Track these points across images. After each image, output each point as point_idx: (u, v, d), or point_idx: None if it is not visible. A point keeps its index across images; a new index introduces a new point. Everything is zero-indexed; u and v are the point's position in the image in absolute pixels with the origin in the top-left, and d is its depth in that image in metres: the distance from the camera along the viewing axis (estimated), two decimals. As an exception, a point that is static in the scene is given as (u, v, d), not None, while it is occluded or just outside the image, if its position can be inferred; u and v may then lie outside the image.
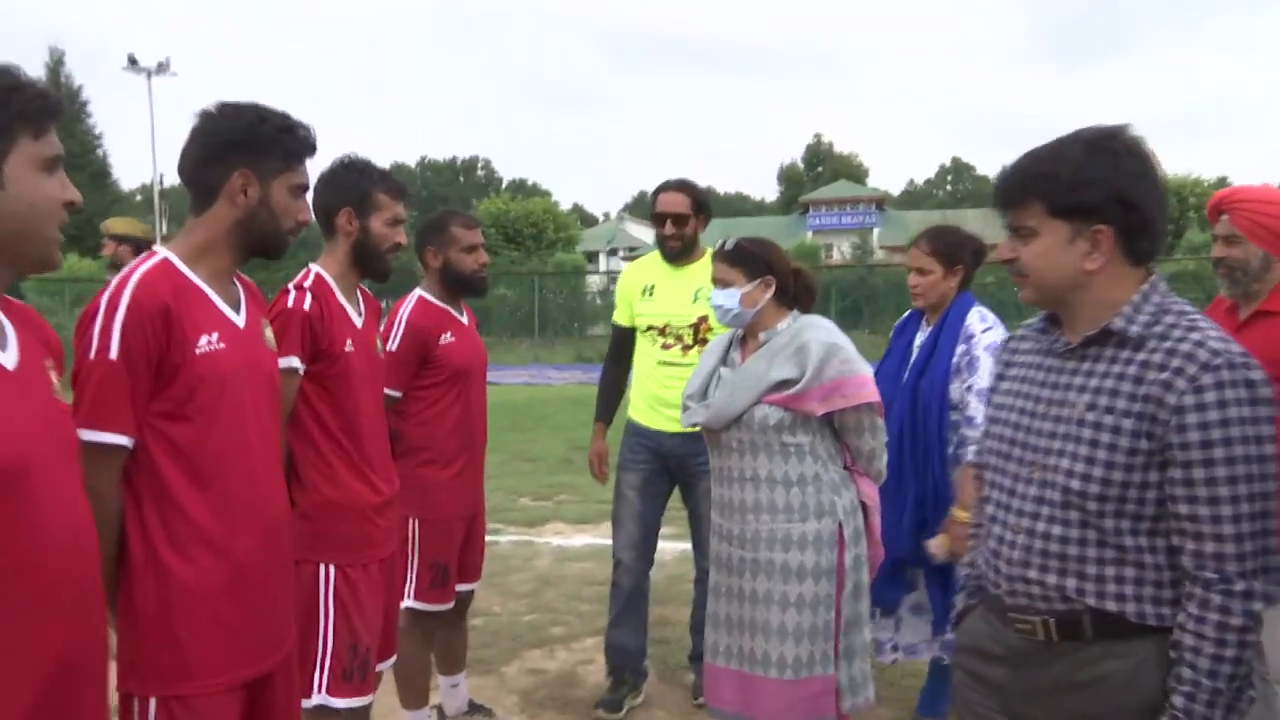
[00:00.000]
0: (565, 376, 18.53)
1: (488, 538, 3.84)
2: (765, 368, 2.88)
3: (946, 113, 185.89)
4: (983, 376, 3.21)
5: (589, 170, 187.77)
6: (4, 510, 1.44)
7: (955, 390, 3.33)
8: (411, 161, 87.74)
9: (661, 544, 4.21)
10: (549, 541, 6.80)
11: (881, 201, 61.86)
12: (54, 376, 1.63)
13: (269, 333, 2.26)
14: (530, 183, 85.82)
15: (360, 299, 2.87)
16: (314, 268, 2.79)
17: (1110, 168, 1.75)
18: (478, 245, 3.53)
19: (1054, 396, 1.84)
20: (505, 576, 5.87)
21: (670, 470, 3.97)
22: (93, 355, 1.88)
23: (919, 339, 3.56)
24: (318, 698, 2.59)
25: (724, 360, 3.07)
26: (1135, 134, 1.80)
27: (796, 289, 3.02)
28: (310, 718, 2.56)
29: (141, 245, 5.11)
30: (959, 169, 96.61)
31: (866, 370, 2.88)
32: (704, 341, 3.82)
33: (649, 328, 3.95)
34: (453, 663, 3.80)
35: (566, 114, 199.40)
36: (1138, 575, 1.75)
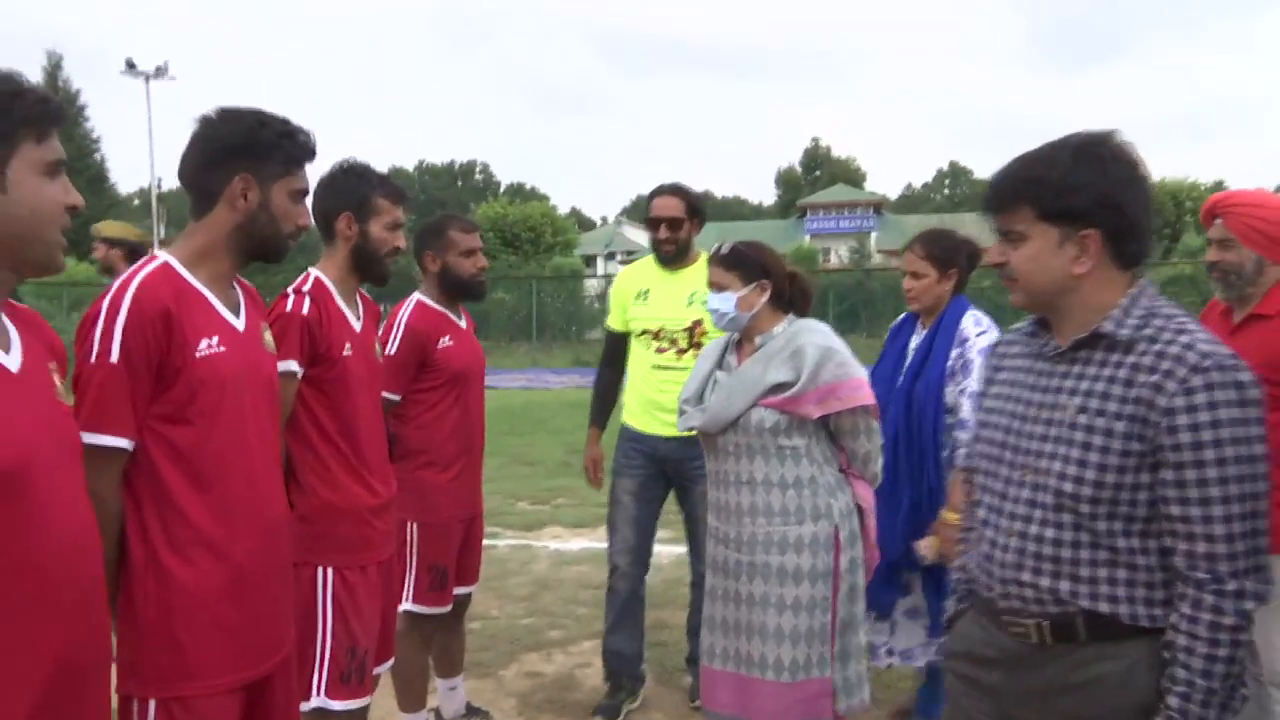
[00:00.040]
0: (563, 380, 18.55)
1: (485, 541, 3.85)
2: (761, 371, 2.89)
3: (944, 117, 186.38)
4: (977, 380, 3.22)
5: (587, 174, 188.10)
6: (7, 511, 1.46)
7: (950, 394, 3.35)
8: (409, 165, 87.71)
9: (658, 547, 4.22)
10: (546, 545, 6.81)
11: (879, 205, 61.93)
12: (57, 379, 1.65)
13: (268, 336, 2.28)
14: (528, 186, 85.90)
15: (359, 303, 2.88)
16: (313, 272, 2.81)
17: (1098, 173, 1.77)
18: (476, 249, 3.55)
19: (1045, 400, 1.85)
20: (503, 580, 5.88)
21: (666, 474, 3.97)
22: (94, 358, 1.89)
23: (914, 342, 3.56)
24: (316, 700, 2.60)
25: (720, 364, 3.08)
26: (1123, 139, 1.82)
27: (792, 293, 3.03)
28: (309, 720, 2.57)
29: (134, 249, 5.10)
30: (957, 173, 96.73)
31: (861, 373, 2.90)
32: (699, 345, 3.83)
33: (644, 332, 3.96)
34: (450, 666, 3.81)
35: (564, 118, 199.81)
36: (1130, 577, 1.76)
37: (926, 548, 3.30)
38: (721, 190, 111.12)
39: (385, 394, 3.08)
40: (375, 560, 2.78)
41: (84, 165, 41.80)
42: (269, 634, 2.11)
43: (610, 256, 50.26)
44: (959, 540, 2.19)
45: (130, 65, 35.32)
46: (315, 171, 2.36)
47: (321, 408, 2.66)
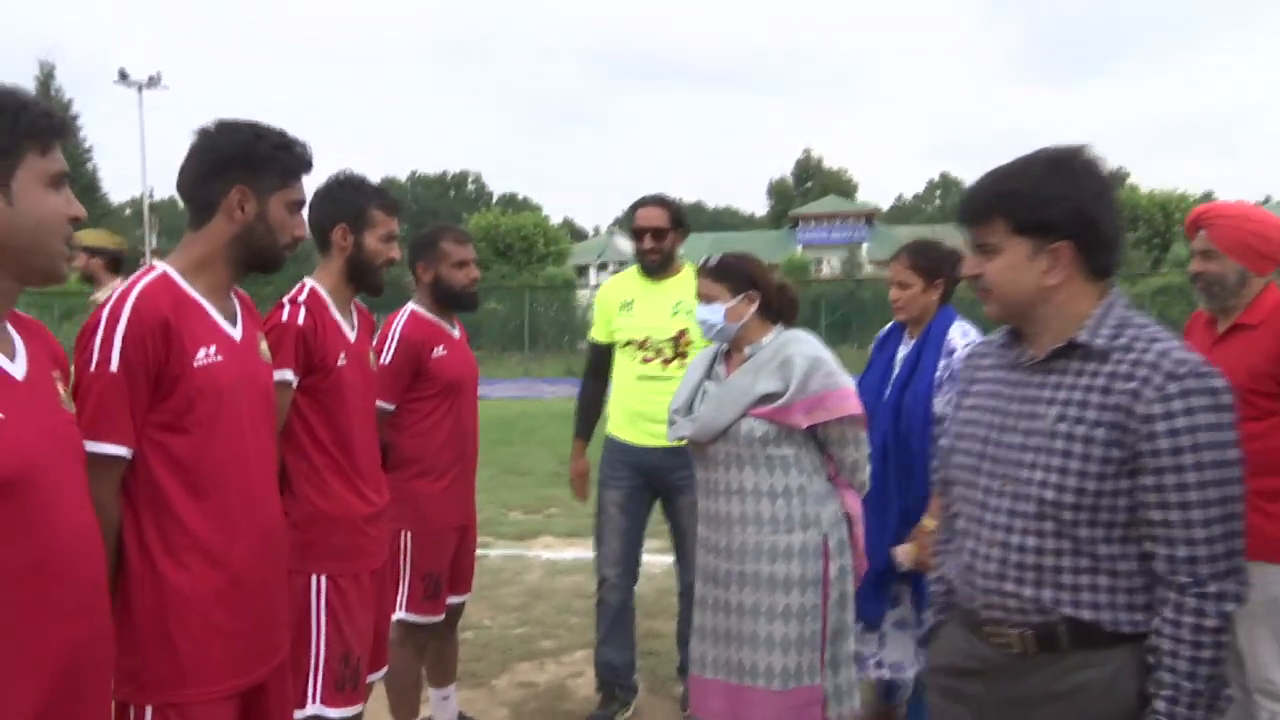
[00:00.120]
0: (556, 390, 18.53)
1: (478, 551, 3.86)
2: (750, 381, 2.92)
3: (935, 128, 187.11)
4: None
5: (579, 185, 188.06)
6: (14, 514, 1.49)
7: (939, 404, 3.37)
8: (402, 175, 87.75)
9: (650, 557, 4.24)
10: (539, 555, 6.82)
11: (871, 216, 62.05)
12: (60, 387, 1.67)
13: (264, 346, 2.30)
14: (521, 197, 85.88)
15: (354, 313, 2.91)
16: (309, 282, 2.83)
17: (1071, 186, 1.81)
18: (468, 260, 3.57)
19: (1022, 410, 1.88)
20: (495, 590, 5.88)
21: (651, 485, 3.98)
22: (93, 367, 1.91)
23: (901, 353, 3.58)
24: (311, 707, 2.62)
25: (709, 374, 3.11)
26: (1093, 154, 1.86)
27: (780, 303, 3.06)
28: (303, 727, 2.58)
29: (114, 257, 5.11)
30: (948, 184, 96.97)
31: (849, 383, 2.93)
32: (684, 355, 3.85)
33: (629, 342, 3.97)
34: (443, 675, 3.82)
35: (557, 128, 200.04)
36: (1111, 583, 1.78)
37: (904, 554, 3.32)
38: (714, 201, 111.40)
39: (379, 403, 3.11)
40: (369, 569, 2.80)
41: (76, 175, 40.46)
42: (264, 640, 2.13)
43: (603, 267, 50.31)
44: (936, 551, 2.21)
45: (123, 75, 35.31)
46: (311, 183, 2.39)
47: (316, 417, 2.69)
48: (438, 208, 74.92)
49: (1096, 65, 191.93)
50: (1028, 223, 1.82)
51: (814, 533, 2.90)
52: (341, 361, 2.72)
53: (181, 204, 2.23)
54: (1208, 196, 43.22)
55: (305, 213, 2.36)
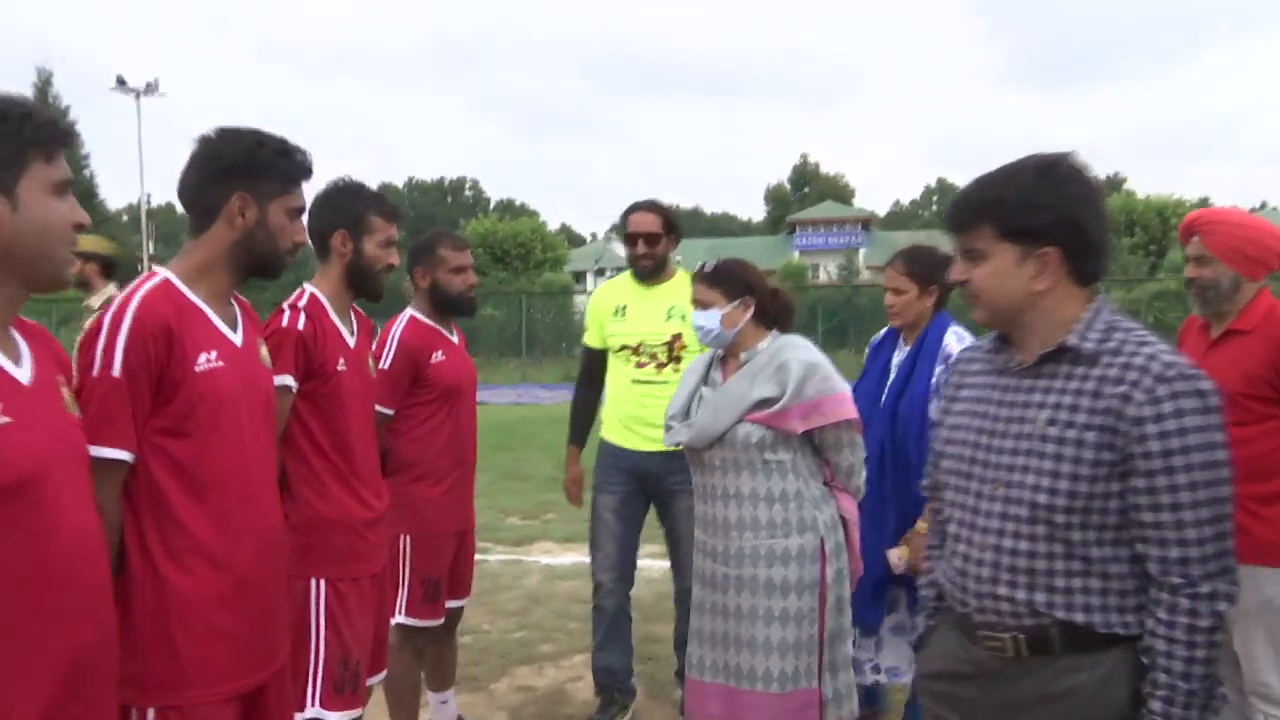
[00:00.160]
0: (553, 396, 18.52)
1: (476, 556, 3.88)
2: (747, 387, 2.93)
3: (932, 135, 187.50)
4: None
5: (576, 190, 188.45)
6: (22, 516, 1.51)
7: (935, 410, 3.37)
8: (399, 181, 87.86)
9: (649, 562, 4.25)
10: (537, 560, 6.83)
11: (867, 222, 62.19)
12: (65, 391, 1.69)
13: (264, 351, 2.32)
14: (518, 203, 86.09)
15: (353, 318, 2.92)
16: (308, 288, 2.85)
17: (1058, 193, 1.82)
18: (465, 266, 3.59)
19: (1012, 414, 1.89)
20: (494, 595, 5.90)
21: (646, 490, 3.99)
22: (96, 372, 1.92)
23: (896, 359, 3.59)
24: (311, 710, 2.63)
25: (705, 380, 3.12)
26: (1080, 160, 1.88)
27: (775, 309, 3.08)
28: (303, 730, 2.60)
29: (107, 262, 5.13)
30: (945, 190, 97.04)
31: (845, 388, 2.94)
32: (678, 359, 3.87)
33: (622, 347, 3.98)
34: (442, 679, 3.83)
35: (554, 134, 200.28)
36: (1103, 586, 1.80)
37: (898, 557, 3.33)
38: (711, 207, 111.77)
39: (378, 408, 3.12)
40: (368, 572, 2.81)
41: (74, 181, 41.64)
42: (265, 643, 2.15)
43: (600, 272, 50.30)
44: (925, 556, 2.22)
45: (121, 82, 35.31)
46: (310, 189, 2.41)
47: (315, 421, 2.70)
48: (435, 214, 74.93)
49: (1094, 71, 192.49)
50: (1015, 229, 1.84)
51: (811, 536, 2.91)
52: (341, 366, 2.74)
53: (181, 210, 2.24)
54: (1204, 202, 43.32)
55: (305, 219, 2.37)
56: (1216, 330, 3.10)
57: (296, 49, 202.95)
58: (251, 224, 2.17)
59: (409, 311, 3.57)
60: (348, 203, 2.92)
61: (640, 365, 3.94)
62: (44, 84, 45.81)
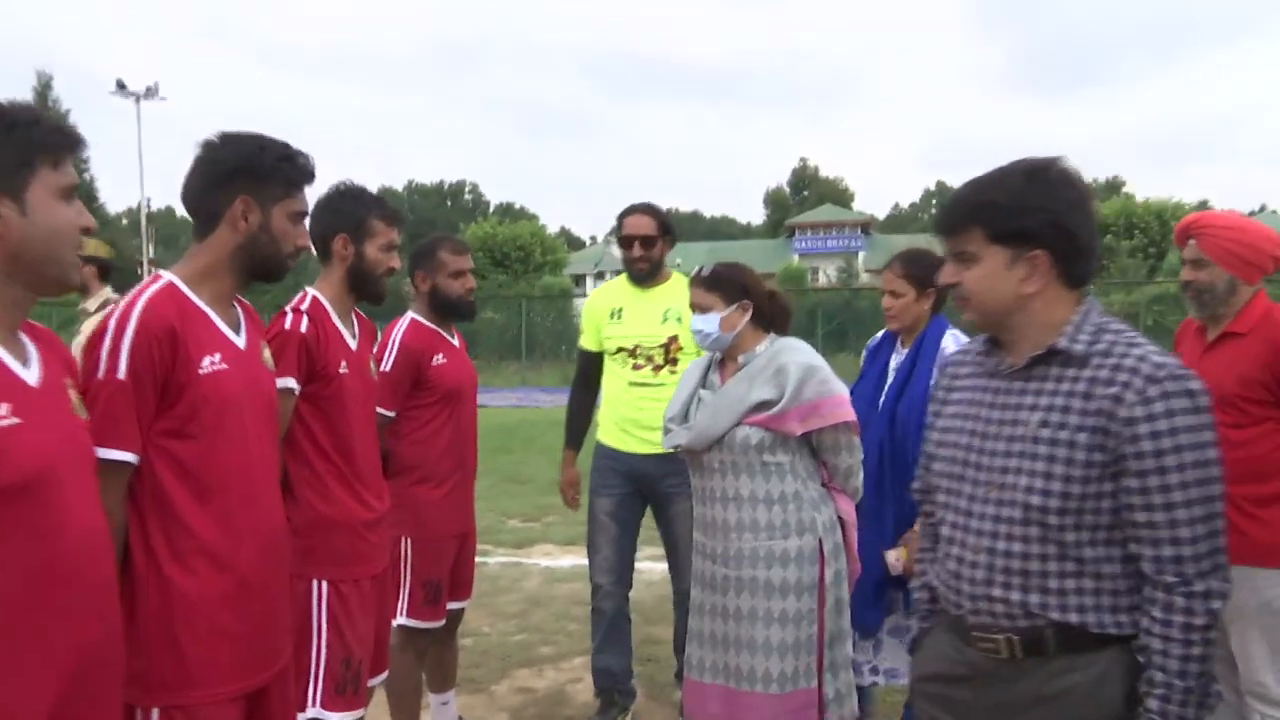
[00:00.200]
0: (553, 399, 18.53)
1: (477, 559, 3.89)
2: (746, 390, 2.95)
3: (931, 138, 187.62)
4: None
5: (576, 194, 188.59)
6: (31, 515, 1.53)
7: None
8: (399, 185, 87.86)
9: (650, 564, 4.27)
10: (538, 563, 6.85)
11: (867, 225, 62.26)
12: (73, 393, 1.71)
13: (267, 354, 2.34)
14: (517, 206, 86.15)
15: (355, 322, 2.94)
16: (310, 291, 2.87)
17: (1047, 196, 1.84)
18: (465, 271, 3.60)
19: (1004, 417, 1.91)
20: (494, 597, 5.91)
21: (642, 492, 4.00)
22: (101, 375, 1.94)
23: (894, 361, 3.60)
24: (312, 711, 2.64)
25: (703, 383, 3.13)
26: (1069, 165, 1.89)
27: (772, 311, 3.09)
28: (304, 731, 2.61)
29: (104, 265, 5.15)
30: (943, 193, 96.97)
31: (842, 390, 2.96)
32: (674, 361, 3.88)
33: (619, 350, 4.00)
34: (443, 681, 3.84)
35: (553, 138, 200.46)
36: (1096, 586, 1.81)
37: (896, 559, 3.35)
38: (710, 210, 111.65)
39: (380, 410, 3.13)
40: (369, 573, 2.83)
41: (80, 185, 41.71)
42: (268, 643, 2.16)
43: (599, 276, 50.34)
44: (918, 558, 2.24)
45: (120, 85, 35.35)
46: (312, 193, 2.43)
47: (318, 423, 2.72)
48: (435, 217, 74.97)
49: (1093, 73, 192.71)
50: (1005, 232, 1.85)
51: (809, 538, 2.93)
52: (343, 369, 2.75)
53: (180, 214, 2.27)
54: (1203, 204, 43.35)
55: (306, 223, 2.39)
56: (1213, 333, 3.12)
57: (297, 52, 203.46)
58: (254, 228, 2.19)
59: (410, 314, 3.59)
60: (349, 207, 2.94)
61: (637, 368, 3.95)
62: (44, 88, 45.87)
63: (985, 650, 1.90)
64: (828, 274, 49.93)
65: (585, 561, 4.16)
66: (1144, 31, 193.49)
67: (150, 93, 35.89)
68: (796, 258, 53.80)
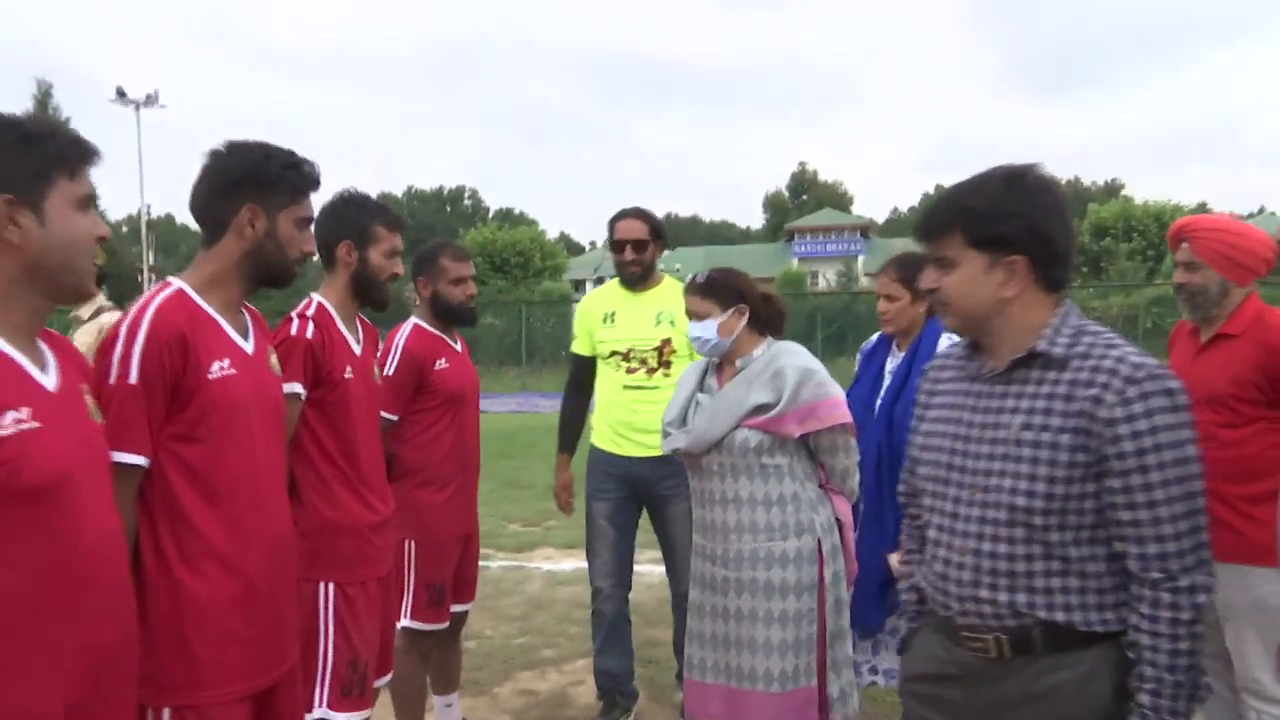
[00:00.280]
0: (553, 404, 18.48)
1: (479, 562, 3.92)
2: (743, 393, 2.98)
3: (929, 141, 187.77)
4: None
5: (575, 199, 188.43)
6: (48, 517, 1.57)
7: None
8: (398, 191, 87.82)
9: (650, 566, 4.29)
10: (539, 566, 6.89)
11: (866, 229, 62.29)
12: (88, 398, 1.75)
13: (274, 359, 2.37)
14: (517, 211, 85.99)
15: (359, 327, 2.98)
16: (315, 297, 2.90)
17: (1025, 202, 1.88)
18: (466, 277, 3.64)
19: (987, 420, 1.94)
20: (496, 600, 5.94)
21: (638, 495, 4.02)
22: (113, 380, 1.98)
23: (890, 365, 3.63)
24: (319, 711, 2.67)
25: (700, 387, 3.16)
26: (1046, 172, 1.94)
27: (767, 314, 3.12)
28: (311, 732, 2.64)
29: (101, 273, 5.15)
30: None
31: (839, 393, 3.00)
32: (668, 364, 3.91)
33: (612, 354, 4.02)
34: (447, 683, 3.87)
35: (552, 143, 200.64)
36: (1081, 585, 1.84)
37: (899, 560, 3.37)
38: (709, 214, 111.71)
39: (383, 414, 3.17)
40: (374, 576, 2.86)
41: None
42: (276, 644, 2.20)
43: (599, 281, 50.28)
44: (905, 561, 2.27)
45: (120, 93, 35.37)
46: (317, 200, 2.46)
47: (323, 428, 2.75)
48: (434, 223, 74.94)
49: (1092, 75, 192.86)
50: (984, 237, 1.89)
51: (808, 539, 2.96)
52: (348, 374, 2.79)
53: (180, 221, 2.32)
54: (1202, 207, 43.41)
55: (311, 230, 2.43)
56: (1206, 335, 3.15)
57: (296, 60, 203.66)
58: (261, 235, 2.23)
59: (413, 320, 3.62)
60: (353, 214, 2.98)
61: (631, 371, 3.98)
62: (44, 96, 45.86)
63: (974, 650, 1.93)
64: (827, 278, 49.98)
65: (586, 565, 4.19)
66: (1143, 32, 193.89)
67: (150, 100, 35.90)
68: (796, 262, 53.81)
